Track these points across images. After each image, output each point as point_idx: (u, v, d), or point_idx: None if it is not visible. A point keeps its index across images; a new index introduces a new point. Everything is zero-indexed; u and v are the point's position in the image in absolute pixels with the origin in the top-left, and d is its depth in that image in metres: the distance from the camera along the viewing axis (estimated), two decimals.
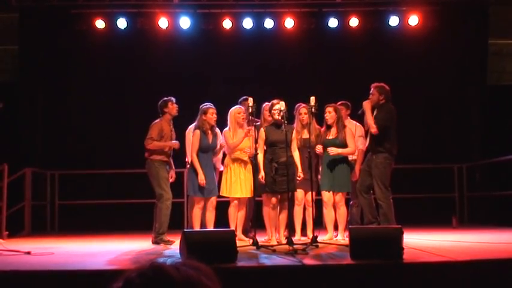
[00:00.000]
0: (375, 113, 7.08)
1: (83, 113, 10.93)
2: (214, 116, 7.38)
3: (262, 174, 6.97)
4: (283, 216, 7.24)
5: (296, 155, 7.19)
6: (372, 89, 7.13)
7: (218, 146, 7.54)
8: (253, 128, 7.38)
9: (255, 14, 10.83)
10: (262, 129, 7.26)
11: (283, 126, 6.92)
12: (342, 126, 7.44)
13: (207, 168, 7.32)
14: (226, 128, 7.56)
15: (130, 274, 1.27)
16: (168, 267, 1.27)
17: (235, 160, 7.47)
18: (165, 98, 7.42)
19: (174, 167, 7.58)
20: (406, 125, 8.81)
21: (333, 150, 7.22)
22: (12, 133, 10.42)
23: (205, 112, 7.37)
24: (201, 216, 7.39)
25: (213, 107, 7.42)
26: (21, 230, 9.30)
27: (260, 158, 7.08)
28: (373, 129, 6.89)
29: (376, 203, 7.11)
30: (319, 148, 7.30)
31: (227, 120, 7.60)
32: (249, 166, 7.43)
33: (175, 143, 7.38)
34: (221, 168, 7.77)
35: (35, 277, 4.65)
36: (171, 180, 7.44)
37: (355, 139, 7.57)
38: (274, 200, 7.18)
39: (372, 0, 10.96)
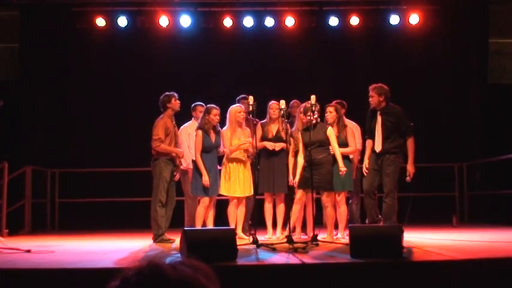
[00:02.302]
0: (379, 119, 7.00)
1: (83, 111, 10.93)
2: (217, 117, 7.38)
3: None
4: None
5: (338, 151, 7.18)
6: (370, 91, 7.04)
7: (221, 145, 7.54)
8: (249, 130, 7.49)
9: (255, 12, 10.82)
10: (259, 125, 7.48)
11: (283, 125, 7.05)
12: (342, 125, 7.43)
13: (211, 167, 7.34)
14: (225, 128, 7.55)
15: (127, 273, 1.27)
16: (165, 266, 1.27)
17: (234, 160, 7.47)
18: (168, 93, 7.42)
19: (178, 166, 7.58)
20: None
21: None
22: (12, 131, 10.41)
23: (208, 112, 7.36)
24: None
25: (217, 107, 7.42)
26: (21, 228, 9.30)
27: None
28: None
29: (380, 201, 7.08)
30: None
31: (226, 119, 7.60)
32: (248, 165, 7.46)
33: (181, 152, 7.43)
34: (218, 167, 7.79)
35: (35, 275, 4.65)
36: (175, 179, 7.45)
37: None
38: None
39: None
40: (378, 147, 6.96)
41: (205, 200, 7.31)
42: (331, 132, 7.10)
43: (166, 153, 7.25)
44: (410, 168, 6.85)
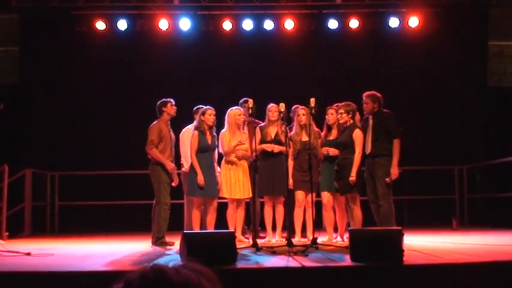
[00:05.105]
0: (371, 122, 7.06)
1: (82, 114, 10.92)
2: (213, 117, 7.37)
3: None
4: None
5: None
6: (364, 98, 7.12)
7: (217, 147, 7.54)
8: (246, 132, 7.51)
9: (255, 15, 10.83)
10: (257, 128, 7.54)
11: (283, 128, 7.06)
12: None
13: (208, 168, 7.31)
14: (224, 130, 7.54)
15: (131, 275, 1.27)
16: (168, 270, 1.27)
17: (233, 162, 7.46)
18: (165, 99, 7.46)
19: (176, 172, 7.57)
20: (406, 127, 8.80)
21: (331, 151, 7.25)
22: (12, 134, 10.41)
23: (203, 113, 7.39)
24: (201, 218, 7.38)
25: (211, 108, 7.43)
26: (21, 231, 9.29)
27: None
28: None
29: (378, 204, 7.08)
30: (328, 150, 7.29)
31: (224, 121, 7.59)
32: (247, 167, 7.45)
33: (171, 167, 7.30)
34: (218, 169, 7.75)
35: (34, 278, 4.65)
36: (173, 184, 7.44)
37: None
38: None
39: (372, 1, 10.97)
40: (368, 149, 7.03)
41: (199, 202, 7.30)
42: (357, 135, 7.09)
43: (162, 155, 7.23)
44: (393, 170, 6.87)
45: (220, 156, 7.65)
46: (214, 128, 7.47)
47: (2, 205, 8.65)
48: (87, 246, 7.45)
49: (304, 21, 10.87)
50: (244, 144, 7.42)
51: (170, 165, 7.30)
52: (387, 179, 6.82)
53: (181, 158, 7.88)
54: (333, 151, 7.23)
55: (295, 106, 7.93)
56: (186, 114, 8.08)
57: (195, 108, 8.19)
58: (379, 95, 7.14)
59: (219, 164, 7.66)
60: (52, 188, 10.45)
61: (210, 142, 7.37)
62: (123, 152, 10.68)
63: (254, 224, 7.70)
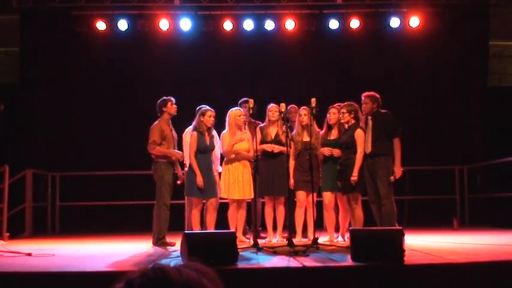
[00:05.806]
0: (370, 123, 7.07)
1: (83, 114, 10.93)
2: (212, 118, 7.36)
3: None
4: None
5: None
6: (363, 98, 7.14)
7: (216, 148, 7.54)
8: (249, 133, 7.50)
9: (255, 15, 10.83)
10: (258, 128, 7.56)
11: (284, 128, 7.05)
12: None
13: (206, 169, 7.31)
14: (225, 131, 7.53)
15: (131, 275, 1.27)
16: (169, 269, 1.27)
17: (233, 162, 7.45)
18: (165, 98, 7.47)
19: (180, 169, 7.57)
20: (406, 127, 8.79)
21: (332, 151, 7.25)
22: (13, 135, 10.41)
23: (203, 114, 7.37)
24: (201, 218, 7.38)
25: (211, 109, 7.42)
26: (22, 231, 9.30)
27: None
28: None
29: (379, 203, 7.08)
30: (332, 151, 7.27)
31: (225, 122, 7.58)
32: (248, 167, 7.44)
33: (180, 154, 7.40)
34: (220, 169, 7.74)
35: (35, 279, 4.65)
36: (178, 182, 7.45)
37: None
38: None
39: (373, 1, 10.97)
40: (368, 149, 7.03)
41: (198, 202, 7.30)
42: (359, 135, 7.07)
43: (165, 157, 7.26)
44: (396, 169, 6.93)
45: (223, 157, 7.64)
46: (213, 128, 7.47)
47: (2, 206, 8.65)
48: (88, 246, 7.44)
49: (305, 22, 10.87)
50: (243, 140, 7.40)
51: (178, 154, 7.37)
52: (391, 178, 6.87)
53: (184, 158, 7.87)
54: (337, 152, 7.22)
55: (291, 106, 7.94)
56: (187, 114, 8.07)
57: (198, 108, 8.19)
58: (378, 95, 7.16)
59: (221, 165, 7.66)
60: (53, 189, 10.46)
61: (208, 143, 7.37)
62: (124, 152, 10.68)
63: (255, 224, 7.69)
